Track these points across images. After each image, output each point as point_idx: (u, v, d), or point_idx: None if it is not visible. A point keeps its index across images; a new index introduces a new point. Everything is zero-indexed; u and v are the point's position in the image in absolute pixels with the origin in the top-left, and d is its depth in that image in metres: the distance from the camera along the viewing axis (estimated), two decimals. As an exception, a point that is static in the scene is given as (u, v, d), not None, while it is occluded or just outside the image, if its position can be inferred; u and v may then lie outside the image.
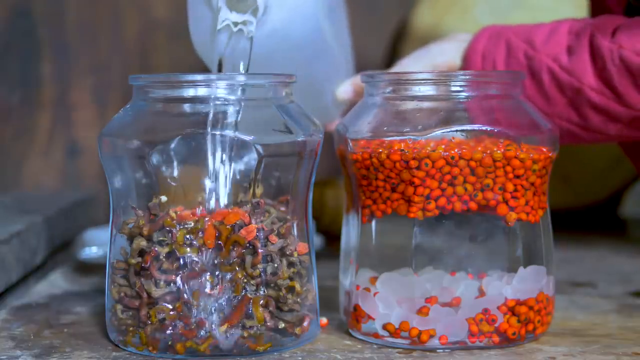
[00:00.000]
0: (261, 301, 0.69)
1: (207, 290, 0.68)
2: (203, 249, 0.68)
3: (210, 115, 0.69)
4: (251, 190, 0.70)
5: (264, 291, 0.69)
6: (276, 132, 0.70)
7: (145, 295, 0.69)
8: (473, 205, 0.71)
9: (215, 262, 0.68)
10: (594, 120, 0.84)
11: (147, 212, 0.70)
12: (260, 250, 0.69)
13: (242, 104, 0.70)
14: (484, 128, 0.71)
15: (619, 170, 1.27)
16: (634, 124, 0.84)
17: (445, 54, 0.91)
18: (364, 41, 1.36)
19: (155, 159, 0.69)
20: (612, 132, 0.86)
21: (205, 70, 0.79)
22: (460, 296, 0.71)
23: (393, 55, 1.32)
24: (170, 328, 0.68)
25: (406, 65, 0.91)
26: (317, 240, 1.07)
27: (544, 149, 0.72)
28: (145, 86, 0.72)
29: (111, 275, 0.72)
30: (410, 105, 0.73)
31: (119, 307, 0.70)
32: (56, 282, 0.95)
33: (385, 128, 0.73)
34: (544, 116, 0.75)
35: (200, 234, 0.68)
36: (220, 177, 0.69)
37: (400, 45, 1.29)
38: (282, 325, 0.70)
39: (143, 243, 0.69)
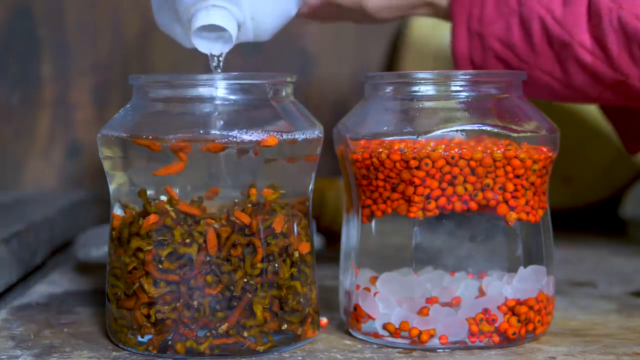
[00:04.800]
0: (263, 301, 0.69)
1: (207, 289, 0.68)
2: (203, 248, 0.68)
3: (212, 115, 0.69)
4: (251, 190, 0.70)
5: (265, 291, 0.69)
6: (276, 132, 0.69)
7: (143, 295, 0.69)
8: (473, 205, 0.71)
9: (216, 261, 0.68)
10: (578, 78, 0.82)
11: (147, 211, 0.69)
12: (260, 250, 0.69)
13: (241, 103, 0.70)
14: (484, 128, 0.71)
15: (619, 171, 1.27)
16: (617, 88, 0.82)
17: None
18: (365, 42, 1.36)
19: (156, 158, 0.69)
20: (593, 93, 0.83)
21: (206, 70, 0.79)
22: (461, 296, 0.71)
23: (393, 55, 1.31)
24: (170, 328, 0.69)
25: None
26: (317, 240, 1.07)
27: (544, 149, 0.72)
28: (145, 86, 0.72)
29: (110, 274, 0.72)
30: (410, 105, 0.73)
31: (117, 307, 0.70)
32: (56, 282, 0.95)
33: (385, 128, 0.73)
34: (544, 116, 0.75)
35: (200, 234, 0.68)
36: (221, 177, 0.69)
37: (401, 46, 1.29)
38: (284, 325, 0.70)
39: (141, 242, 0.69)
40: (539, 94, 0.85)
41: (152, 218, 0.69)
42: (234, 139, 0.68)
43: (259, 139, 0.68)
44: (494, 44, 0.84)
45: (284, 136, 0.69)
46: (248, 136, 0.68)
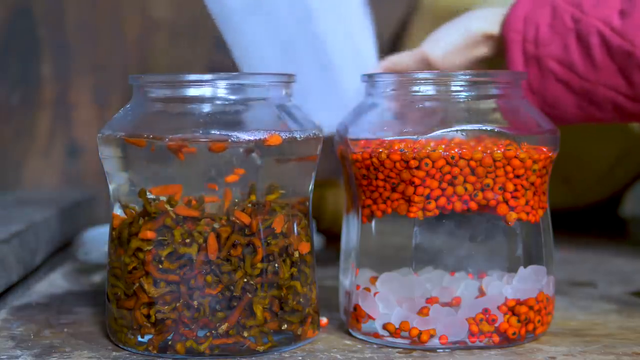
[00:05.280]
0: (263, 301, 0.69)
1: (207, 289, 0.68)
2: (203, 248, 0.68)
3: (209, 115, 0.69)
4: (252, 190, 0.70)
5: (265, 291, 0.69)
6: (276, 132, 0.69)
7: (143, 295, 0.69)
8: (473, 205, 0.71)
9: (216, 261, 0.68)
10: None
11: (147, 211, 0.69)
12: (260, 250, 0.69)
13: (241, 103, 0.70)
14: (484, 128, 0.71)
15: (619, 171, 1.27)
16: None
17: (482, 19, 0.88)
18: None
19: (156, 158, 0.69)
20: None
21: (206, 70, 0.79)
22: (461, 296, 0.71)
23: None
24: (170, 328, 0.69)
25: (439, 35, 0.89)
26: (317, 240, 1.07)
27: (544, 149, 0.72)
28: (145, 86, 0.72)
29: (110, 274, 0.72)
30: (411, 105, 0.73)
31: (117, 307, 0.70)
32: (56, 282, 0.95)
33: (385, 128, 0.73)
34: (544, 116, 0.75)
35: (200, 234, 0.68)
36: (221, 177, 0.69)
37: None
38: (284, 325, 0.70)
39: (141, 242, 0.69)
40: (606, 115, 0.84)
41: (149, 235, 0.69)
42: (236, 139, 0.68)
43: (263, 137, 0.68)
44: (552, 65, 0.83)
45: (286, 135, 0.69)
46: (251, 136, 0.68)
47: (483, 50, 0.89)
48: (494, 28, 0.87)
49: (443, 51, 0.89)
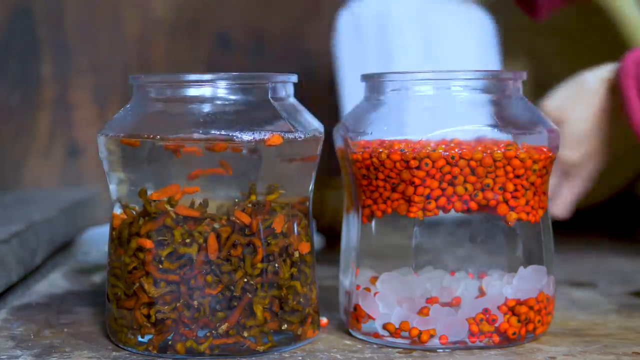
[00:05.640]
0: (263, 301, 0.69)
1: (207, 289, 0.68)
2: (203, 248, 0.68)
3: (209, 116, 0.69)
4: (252, 190, 0.70)
5: (265, 291, 0.69)
6: (277, 132, 0.69)
7: (143, 295, 0.69)
8: (473, 205, 0.71)
9: (216, 261, 0.68)
10: None
11: (147, 211, 0.69)
12: (260, 250, 0.69)
13: (241, 103, 0.70)
14: (484, 128, 0.71)
15: (619, 171, 1.27)
16: None
17: (597, 71, 0.91)
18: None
19: (155, 158, 0.69)
20: None
21: (206, 70, 0.79)
22: (461, 296, 0.71)
23: None
24: (170, 328, 0.69)
25: (558, 89, 0.94)
26: (317, 240, 1.07)
27: (544, 149, 0.72)
28: (145, 86, 0.72)
29: (110, 274, 0.72)
30: (411, 105, 0.73)
31: (117, 307, 0.70)
32: (56, 281, 0.95)
33: (385, 128, 0.73)
34: (544, 116, 0.75)
35: (200, 234, 0.68)
36: (221, 177, 0.69)
37: None
38: (284, 325, 0.70)
39: (142, 242, 0.69)
40: None
41: (148, 244, 0.69)
42: (237, 139, 0.68)
43: (264, 138, 0.68)
44: None
45: (287, 135, 0.69)
46: (251, 136, 0.68)
47: (601, 97, 0.92)
48: (609, 75, 0.90)
49: (559, 101, 0.93)
